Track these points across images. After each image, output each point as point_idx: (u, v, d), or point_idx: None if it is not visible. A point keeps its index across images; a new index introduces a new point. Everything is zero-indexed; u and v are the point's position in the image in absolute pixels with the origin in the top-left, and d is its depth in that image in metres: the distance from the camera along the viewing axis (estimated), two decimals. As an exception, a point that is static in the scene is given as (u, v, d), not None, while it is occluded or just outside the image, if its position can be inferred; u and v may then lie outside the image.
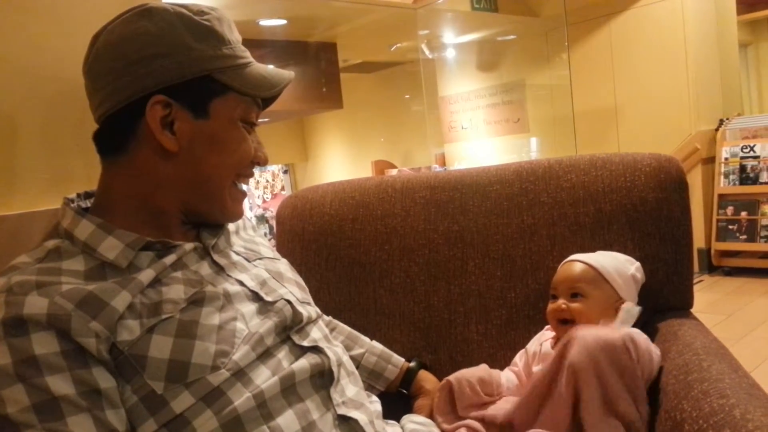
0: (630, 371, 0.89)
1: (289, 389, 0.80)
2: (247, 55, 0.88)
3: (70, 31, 1.00)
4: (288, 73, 0.91)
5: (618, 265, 1.07)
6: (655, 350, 0.96)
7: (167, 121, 0.80)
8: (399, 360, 1.16)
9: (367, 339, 1.17)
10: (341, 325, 1.17)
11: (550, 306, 1.07)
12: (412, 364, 1.17)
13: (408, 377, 1.15)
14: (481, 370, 1.09)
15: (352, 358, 1.09)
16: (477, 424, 1.00)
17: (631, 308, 1.03)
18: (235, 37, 0.87)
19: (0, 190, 0.95)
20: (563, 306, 1.05)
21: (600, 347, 0.88)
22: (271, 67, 0.91)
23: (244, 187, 0.91)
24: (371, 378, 1.13)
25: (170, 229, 0.85)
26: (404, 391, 1.15)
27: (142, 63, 0.79)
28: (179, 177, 0.83)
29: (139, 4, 0.82)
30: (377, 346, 1.16)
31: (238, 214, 0.90)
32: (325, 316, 1.13)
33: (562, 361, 0.90)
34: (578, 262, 1.08)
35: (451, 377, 1.07)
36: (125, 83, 0.79)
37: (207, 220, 0.88)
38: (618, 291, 1.05)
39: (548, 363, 0.94)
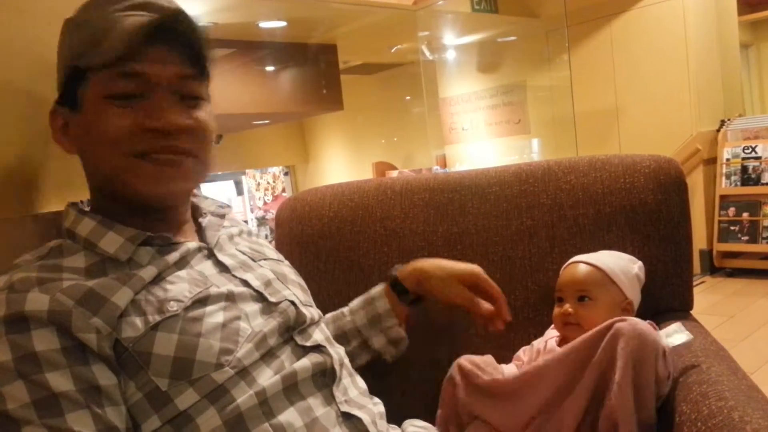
0: (659, 379, 0.87)
1: (291, 387, 0.80)
2: (116, 21, 0.78)
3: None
4: (168, 8, 0.80)
5: (623, 265, 1.07)
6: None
7: (64, 127, 0.83)
8: (379, 290, 1.11)
9: (345, 307, 1.13)
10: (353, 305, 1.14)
11: (557, 310, 1.06)
12: (391, 274, 1.10)
13: (397, 287, 1.08)
14: (488, 358, 1.07)
15: (347, 333, 1.09)
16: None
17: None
18: (107, 9, 0.79)
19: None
20: (570, 310, 1.04)
21: (651, 342, 0.86)
22: (149, 16, 0.79)
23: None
24: (375, 324, 1.09)
25: (159, 227, 0.84)
26: (413, 298, 1.10)
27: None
28: (91, 174, 0.85)
29: None
30: (354, 301, 1.13)
31: (159, 192, 0.81)
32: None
33: (604, 336, 0.88)
34: (583, 263, 1.07)
35: (461, 359, 1.05)
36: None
37: (141, 204, 0.83)
38: (624, 291, 1.05)
39: (588, 334, 0.91)
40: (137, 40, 0.77)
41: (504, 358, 1.16)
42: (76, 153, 0.83)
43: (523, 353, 1.12)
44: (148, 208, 0.84)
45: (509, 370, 1.09)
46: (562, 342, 1.07)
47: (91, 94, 0.79)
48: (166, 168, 0.80)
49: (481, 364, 1.03)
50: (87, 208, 0.88)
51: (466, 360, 1.04)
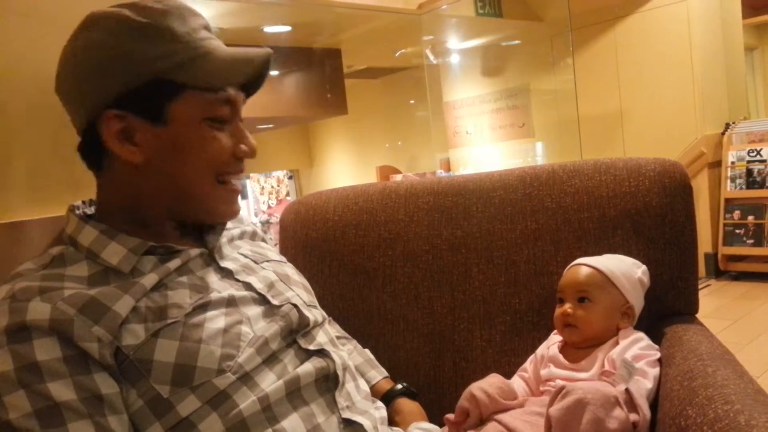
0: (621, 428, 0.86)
1: (294, 393, 0.80)
2: (206, 44, 0.80)
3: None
4: (264, 51, 0.83)
5: (625, 269, 1.07)
6: (653, 372, 0.95)
7: (127, 133, 0.78)
8: (381, 373, 1.09)
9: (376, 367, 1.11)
10: (359, 347, 1.14)
11: (557, 310, 1.07)
12: (398, 386, 1.06)
13: (385, 400, 1.03)
14: (497, 379, 1.02)
15: None
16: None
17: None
18: (190, 26, 0.79)
19: (9, 197, 0.95)
20: (569, 311, 1.04)
21: (582, 405, 0.84)
22: (244, 48, 0.83)
23: (245, 182, 0.89)
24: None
25: (167, 236, 0.85)
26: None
27: (88, 79, 0.77)
28: (156, 187, 0.81)
29: (89, 13, 0.79)
30: (366, 352, 1.13)
31: (231, 214, 0.88)
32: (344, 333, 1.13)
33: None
34: (585, 265, 1.07)
35: (474, 391, 0.98)
36: (79, 102, 0.79)
37: (200, 222, 0.88)
38: (625, 295, 1.05)
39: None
40: (241, 71, 0.82)
41: (508, 363, 1.16)
42: (140, 162, 0.79)
43: (529, 363, 1.11)
44: (198, 224, 0.87)
45: (516, 385, 1.07)
46: (563, 346, 1.07)
47: (184, 111, 0.79)
48: (235, 192, 0.86)
49: (494, 394, 0.98)
50: (89, 210, 0.88)
51: (479, 390, 0.98)
